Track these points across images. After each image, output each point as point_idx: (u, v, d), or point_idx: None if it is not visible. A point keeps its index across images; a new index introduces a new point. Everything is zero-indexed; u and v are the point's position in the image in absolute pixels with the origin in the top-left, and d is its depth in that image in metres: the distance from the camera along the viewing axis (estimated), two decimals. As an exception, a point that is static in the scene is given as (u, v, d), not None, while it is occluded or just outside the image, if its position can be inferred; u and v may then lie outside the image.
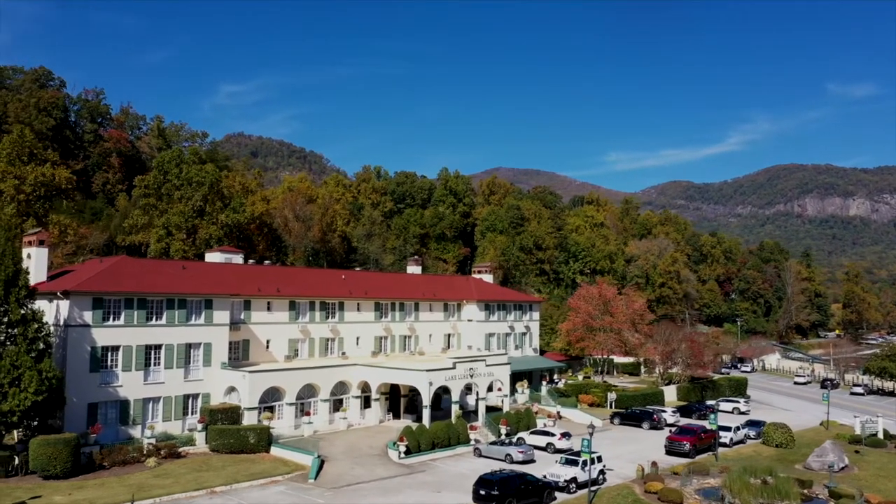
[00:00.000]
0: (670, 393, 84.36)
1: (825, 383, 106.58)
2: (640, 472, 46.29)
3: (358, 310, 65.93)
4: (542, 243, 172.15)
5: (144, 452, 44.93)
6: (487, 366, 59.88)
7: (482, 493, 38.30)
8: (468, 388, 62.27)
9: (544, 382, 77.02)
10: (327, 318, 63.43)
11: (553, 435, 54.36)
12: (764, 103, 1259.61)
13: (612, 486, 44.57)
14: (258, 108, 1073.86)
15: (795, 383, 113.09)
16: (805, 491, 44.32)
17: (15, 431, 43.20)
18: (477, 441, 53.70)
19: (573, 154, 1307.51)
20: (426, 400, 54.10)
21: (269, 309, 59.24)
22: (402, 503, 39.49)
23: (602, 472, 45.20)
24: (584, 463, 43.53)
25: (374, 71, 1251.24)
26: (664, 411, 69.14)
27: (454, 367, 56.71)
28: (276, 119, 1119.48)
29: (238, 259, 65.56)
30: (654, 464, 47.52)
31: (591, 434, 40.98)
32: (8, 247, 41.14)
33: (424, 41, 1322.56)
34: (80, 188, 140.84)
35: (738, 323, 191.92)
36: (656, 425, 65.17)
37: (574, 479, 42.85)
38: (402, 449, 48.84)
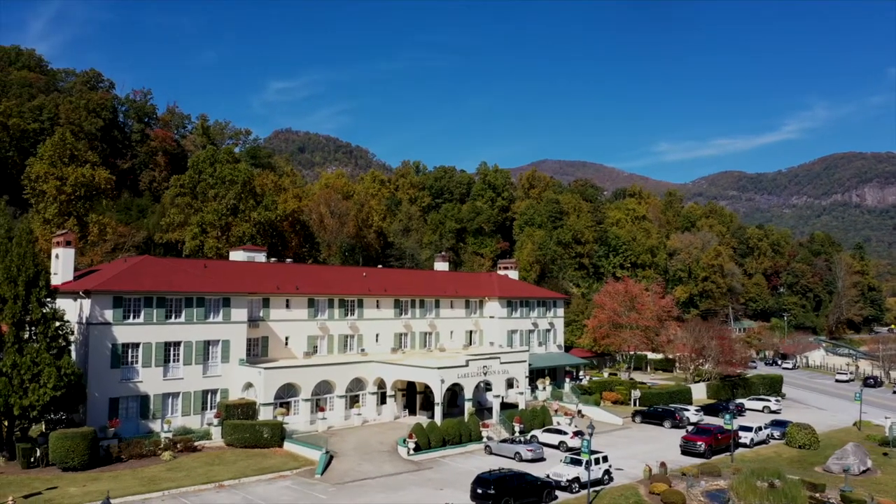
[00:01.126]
0: (699, 391, 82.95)
1: (868, 381, 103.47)
2: (647, 472, 45.89)
3: (377, 307, 66.78)
4: (582, 237, 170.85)
5: (161, 446, 46.59)
6: (502, 363, 60.01)
7: (479, 491, 38.58)
8: (488, 386, 62.69)
9: (568, 379, 76.73)
10: (346, 315, 64.46)
11: (566, 433, 54.25)
12: (822, 90, 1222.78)
13: (617, 486, 44.33)
14: (306, 104, 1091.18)
15: (837, 381, 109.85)
16: (817, 495, 43.38)
17: (43, 423, 45.27)
18: (490, 438, 53.97)
19: (621, 145, 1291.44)
20: (438, 397, 54.60)
21: (287, 306, 60.52)
22: (402, 501, 40.01)
23: (607, 472, 45.04)
24: (589, 463, 43.53)
25: (418, 65, 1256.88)
26: (687, 410, 68.13)
27: (467, 365, 57.03)
28: (324, 115, 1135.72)
29: (261, 257, 67.04)
30: (662, 464, 47.08)
31: (590, 434, 40.82)
32: (28, 249, 43.05)
33: (470, 34, 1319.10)
34: (128, 186, 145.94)
35: (785, 318, 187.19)
36: (678, 424, 64.28)
37: (577, 479, 42.73)
38: (412, 446, 49.45)
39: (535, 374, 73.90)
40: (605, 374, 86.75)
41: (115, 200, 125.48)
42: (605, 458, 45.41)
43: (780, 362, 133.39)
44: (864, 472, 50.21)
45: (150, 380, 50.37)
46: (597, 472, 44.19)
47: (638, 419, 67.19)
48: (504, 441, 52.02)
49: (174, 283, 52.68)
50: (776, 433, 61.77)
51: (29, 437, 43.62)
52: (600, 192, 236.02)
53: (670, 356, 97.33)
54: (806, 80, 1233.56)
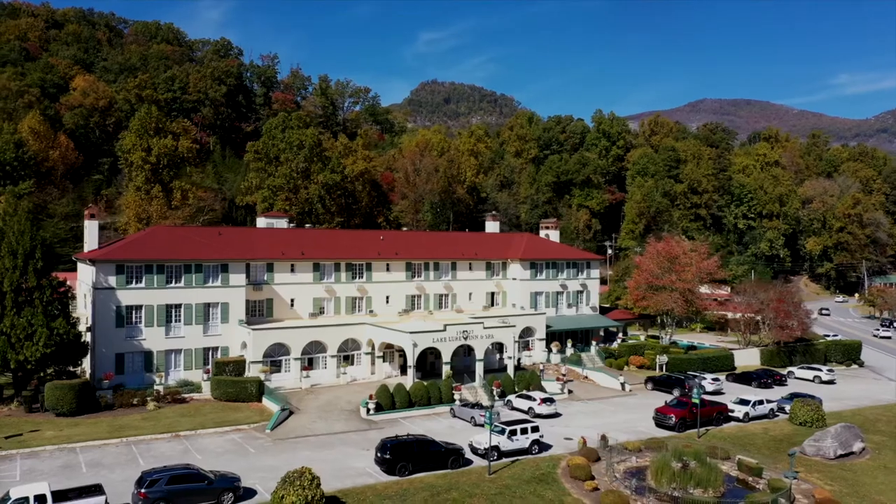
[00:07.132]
0: (750, 356, 78.04)
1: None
2: (581, 444, 45.39)
3: (387, 270, 69.19)
4: (699, 186, 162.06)
5: (152, 397, 52.62)
6: (485, 328, 60.42)
7: (378, 455, 40.47)
8: (499, 348, 64.31)
9: (594, 342, 75.30)
10: (354, 278, 67.52)
11: (535, 400, 54.32)
12: None
13: (542, 457, 44.25)
14: (454, 55, 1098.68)
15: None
16: (749, 479, 41.13)
17: (46, 374, 52.68)
18: (463, 401, 55.31)
19: (794, 79, 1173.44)
20: (410, 360, 56.58)
21: (292, 270, 64.59)
22: (321, 458, 42.64)
23: (537, 441, 45.01)
24: (512, 432, 44.05)
25: (568, 6, 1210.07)
26: (704, 378, 65.02)
27: (444, 330, 58.24)
28: (472, 64, 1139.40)
29: (281, 223, 71.55)
30: (602, 437, 46.25)
31: (490, 407, 41.21)
32: (27, 226, 49.76)
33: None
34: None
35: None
36: (686, 393, 61.65)
37: (496, 448, 43.29)
38: (372, 406, 52.04)
39: (557, 337, 73.41)
40: (642, 337, 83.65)
41: (240, 160, 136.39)
42: (535, 429, 45.38)
43: (892, 325, 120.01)
44: (841, 456, 46.20)
45: (152, 338, 56.63)
46: (523, 441, 44.52)
47: (650, 386, 65.16)
48: (465, 405, 53.10)
49: (175, 252, 58.21)
50: (788, 407, 57.53)
51: (35, 387, 51.12)
52: (732, 136, 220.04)
53: (722, 319, 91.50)
54: None
